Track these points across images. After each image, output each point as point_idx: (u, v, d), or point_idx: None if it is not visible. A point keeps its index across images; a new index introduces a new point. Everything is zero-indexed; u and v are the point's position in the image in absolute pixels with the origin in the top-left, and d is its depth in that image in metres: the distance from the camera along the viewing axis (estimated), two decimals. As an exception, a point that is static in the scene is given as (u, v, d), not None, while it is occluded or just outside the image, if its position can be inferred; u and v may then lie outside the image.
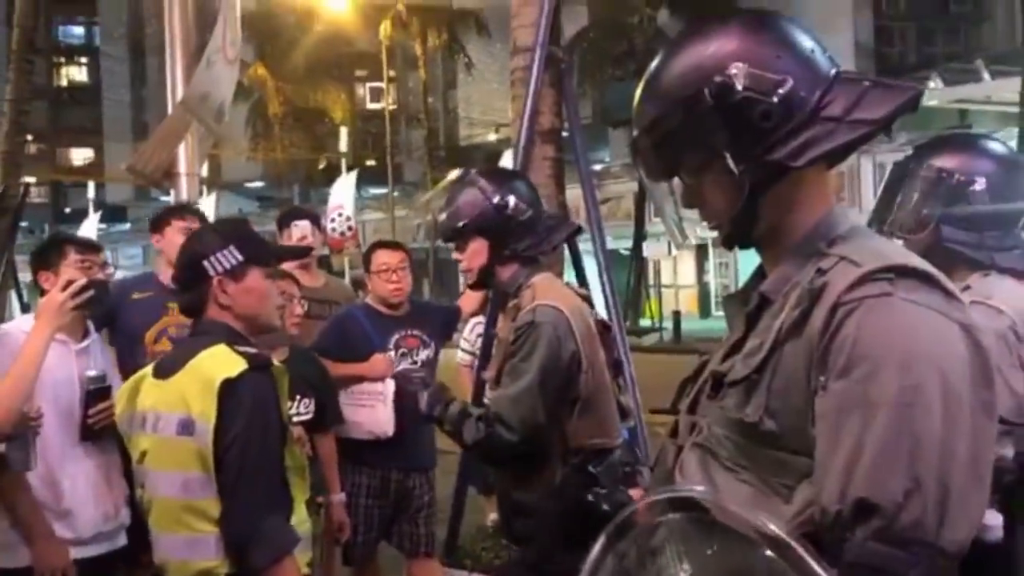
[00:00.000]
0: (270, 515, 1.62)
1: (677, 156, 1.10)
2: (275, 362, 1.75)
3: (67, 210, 38.19)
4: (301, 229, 3.43)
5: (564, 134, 3.83)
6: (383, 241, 3.43)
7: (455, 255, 2.20)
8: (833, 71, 1.05)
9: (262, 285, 1.76)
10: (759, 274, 1.16)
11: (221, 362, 1.63)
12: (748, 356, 1.03)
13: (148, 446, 1.71)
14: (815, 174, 1.08)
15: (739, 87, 1.01)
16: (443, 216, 2.19)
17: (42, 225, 34.39)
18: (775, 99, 1.01)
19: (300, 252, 2.54)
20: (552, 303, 2.00)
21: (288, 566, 1.61)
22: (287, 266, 3.17)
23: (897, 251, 1.03)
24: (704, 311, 23.82)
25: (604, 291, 3.50)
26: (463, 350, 4.43)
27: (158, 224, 2.91)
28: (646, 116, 1.10)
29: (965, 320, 0.96)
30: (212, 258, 1.71)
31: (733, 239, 1.12)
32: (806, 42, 1.06)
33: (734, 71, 1.02)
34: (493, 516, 4.58)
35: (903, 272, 0.96)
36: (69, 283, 2.12)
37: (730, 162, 1.03)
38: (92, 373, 2.26)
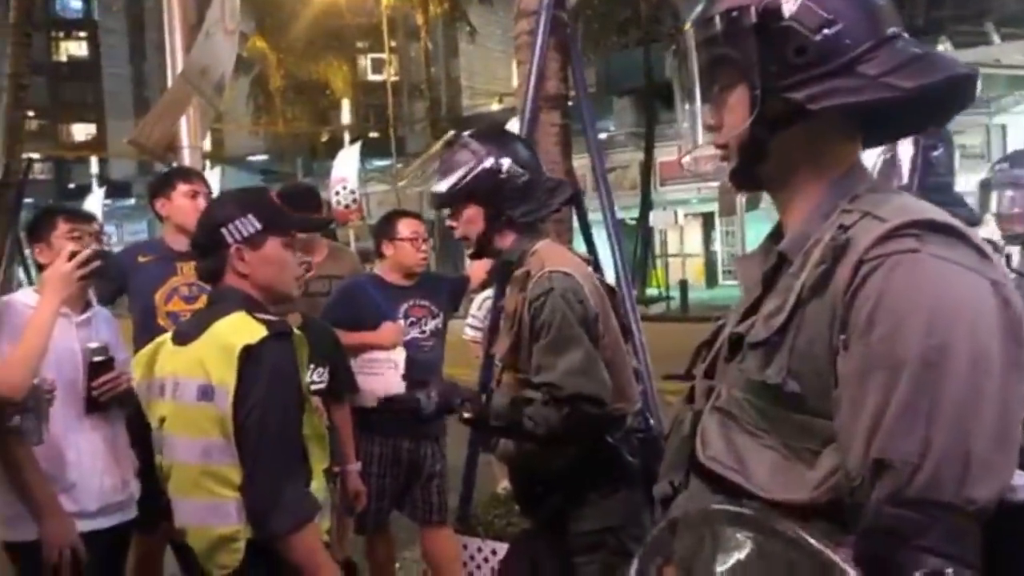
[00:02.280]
0: (290, 482, 1.62)
1: (711, 66, 1.07)
2: (295, 330, 1.73)
3: (71, 186, 38.14)
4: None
5: (570, 102, 3.78)
6: (404, 211, 3.40)
7: (449, 222, 2.11)
8: (891, 31, 1.01)
9: (280, 254, 1.74)
10: (775, 234, 1.13)
11: (241, 329, 1.62)
12: (769, 317, 1.00)
13: (167, 412, 1.71)
14: (840, 131, 1.05)
15: (786, 13, 0.99)
16: (435, 181, 2.10)
17: (46, 201, 34.35)
18: (817, 37, 0.98)
19: (320, 224, 2.44)
20: (564, 269, 1.94)
21: (309, 533, 1.61)
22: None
23: (923, 206, 0.99)
24: (711, 280, 23.78)
25: (614, 259, 3.46)
26: (471, 326, 4.41)
27: (163, 188, 2.88)
28: (701, 14, 1.08)
29: (996, 277, 0.92)
30: (230, 226, 1.70)
31: (739, 174, 1.09)
32: None
33: None
34: (504, 484, 4.60)
35: (931, 227, 0.93)
36: (74, 254, 2.12)
37: (751, 85, 1.01)
38: (94, 345, 2.25)
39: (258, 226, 1.71)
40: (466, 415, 1.97)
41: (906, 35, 1.03)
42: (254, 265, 1.71)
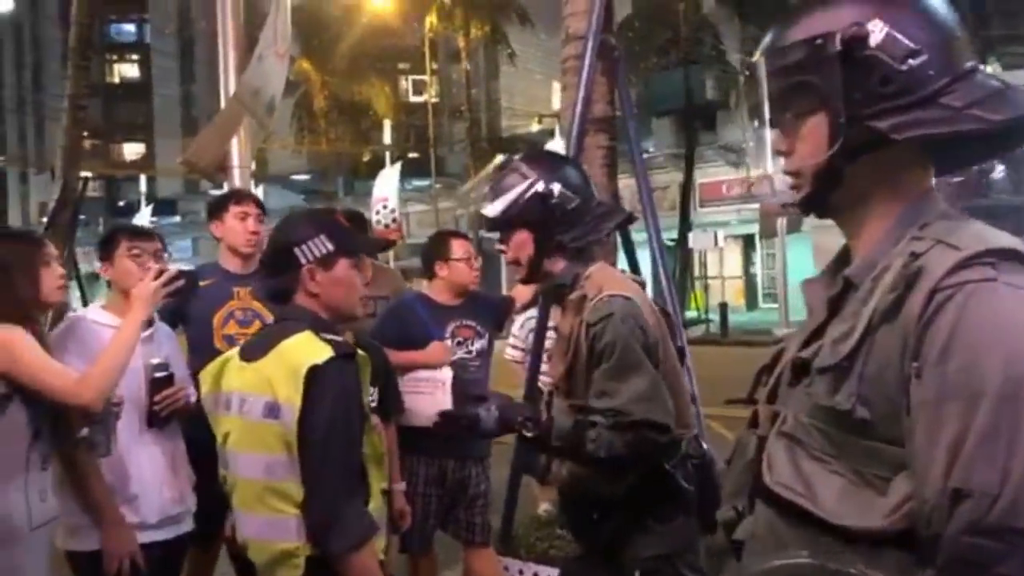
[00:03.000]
0: (350, 501, 1.64)
1: (787, 93, 1.07)
2: (358, 351, 1.76)
3: (120, 203, 39.20)
4: None
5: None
6: (452, 231, 3.43)
7: (498, 246, 2.09)
8: (971, 64, 1.02)
9: (349, 275, 1.77)
10: (841, 258, 1.13)
11: (308, 349, 1.65)
12: (837, 342, 0.99)
13: (232, 427, 1.74)
14: (914, 159, 1.05)
15: (872, 43, 0.99)
16: (486, 205, 2.08)
17: (97, 218, 35.29)
18: (903, 67, 0.99)
19: (386, 245, 2.45)
20: (622, 292, 1.93)
21: (366, 553, 1.63)
22: None
23: (997, 234, 0.98)
24: (751, 303, 23.50)
25: (660, 281, 3.46)
26: (512, 346, 4.41)
27: (217, 211, 2.95)
28: (776, 41, 1.08)
29: None
30: (304, 246, 1.73)
31: (811, 201, 1.09)
32: (957, 27, 1.03)
33: (873, 26, 0.99)
34: (545, 506, 4.58)
35: (1006, 255, 0.92)
36: (160, 272, 2.19)
37: (833, 114, 1.01)
38: (156, 360, 2.32)
39: (331, 247, 1.74)
40: (528, 434, 1.93)
41: (984, 68, 1.04)
42: (325, 285, 1.74)
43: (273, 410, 1.64)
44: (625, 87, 3.70)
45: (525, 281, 2.18)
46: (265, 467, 1.66)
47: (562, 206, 1.98)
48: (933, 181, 1.07)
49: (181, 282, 2.22)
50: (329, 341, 1.66)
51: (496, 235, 2.11)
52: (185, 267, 2.42)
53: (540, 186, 1.98)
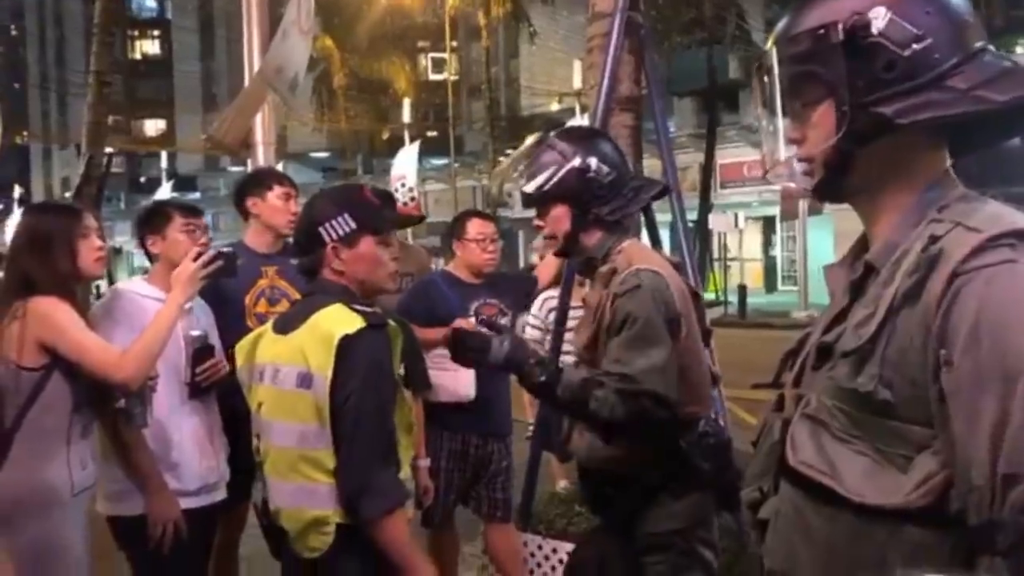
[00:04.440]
0: (382, 469, 1.68)
1: (795, 82, 1.08)
2: (391, 321, 1.79)
3: (142, 179, 39.49)
4: None
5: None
6: (475, 210, 3.45)
7: (536, 222, 2.12)
8: (978, 45, 1.01)
9: (374, 252, 1.79)
10: (861, 243, 1.14)
11: (340, 319, 1.68)
12: (859, 326, 1.01)
13: (266, 397, 1.78)
14: (927, 143, 1.05)
15: (875, 30, 1.00)
16: (524, 182, 2.12)
17: (119, 194, 35.61)
18: (906, 52, 0.99)
19: (413, 221, 2.45)
20: (652, 267, 1.95)
21: (398, 519, 1.67)
22: None
23: (1015, 214, 0.99)
24: (770, 285, 23.36)
25: (684, 261, 3.45)
26: (531, 325, 4.43)
27: (257, 188, 2.94)
28: (784, 32, 1.09)
29: None
30: (327, 225, 1.76)
31: (824, 188, 1.10)
32: (962, 9, 1.03)
33: (875, 14, 1.00)
34: (563, 483, 4.62)
35: None
36: (200, 254, 2.23)
37: (839, 102, 1.02)
38: (196, 333, 2.37)
39: (353, 225, 1.77)
40: (538, 379, 1.93)
41: (993, 49, 1.03)
42: (349, 263, 1.77)
43: (306, 380, 1.68)
44: (652, 66, 3.67)
45: (560, 254, 2.21)
46: (298, 436, 1.70)
47: (599, 180, 2.01)
48: (949, 163, 1.07)
49: (220, 263, 2.26)
50: (361, 312, 1.69)
51: (533, 213, 2.13)
52: (225, 248, 2.44)
53: (577, 161, 2.01)
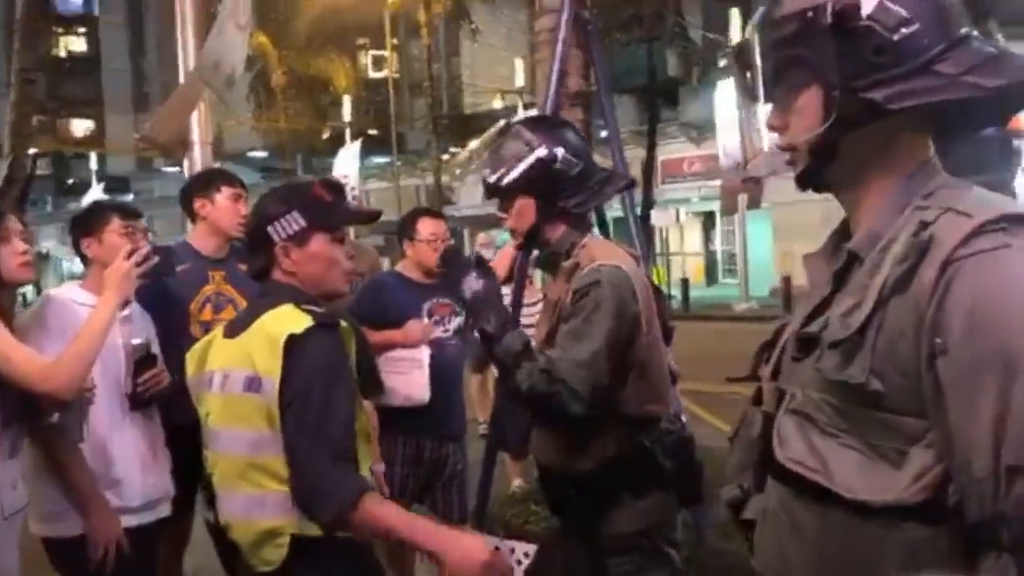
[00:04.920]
0: (334, 468, 1.55)
1: (779, 67, 1.06)
2: (342, 321, 1.71)
3: (70, 181, 38.03)
4: None
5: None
6: (425, 209, 3.39)
7: (499, 214, 2.04)
8: (964, 31, 1.00)
9: (327, 250, 1.71)
10: (841, 231, 1.12)
11: (286, 320, 1.60)
12: (846, 315, 0.99)
13: (214, 405, 1.69)
14: (913, 129, 1.04)
15: (864, 13, 0.98)
16: (486, 172, 2.02)
17: (45, 197, 34.22)
18: (895, 37, 0.97)
19: (368, 217, 2.35)
20: (615, 263, 1.90)
21: (364, 508, 1.52)
22: None
23: (1003, 199, 0.98)
24: (711, 279, 23.79)
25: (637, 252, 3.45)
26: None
27: (205, 189, 2.82)
28: (766, 15, 1.06)
29: None
30: (276, 223, 1.68)
31: (807, 175, 1.08)
32: None
33: None
34: (518, 482, 4.59)
35: (1018, 220, 0.92)
36: (133, 251, 2.11)
37: (826, 87, 1.00)
38: (137, 341, 2.26)
39: (303, 223, 1.68)
40: (486, 327, 1.88)
41: (977, 35, 1.02)
42: (300, 263, 1.69)
43: (254, 383, 1.59)
44: (601, 61, 3.66)
45: (521, 248, 2.13)
46: (247, 443, 1.61)
47: (566, 172, 1.93)
48: (932, 150, 1.07)
49: (155, 260, 2.14)
50: (309, 312, 1.61)
51: (479, 203, 2.05)
52: (161, 244, 2.33)
53: (543, 151, 1.93)
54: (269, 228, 1.68)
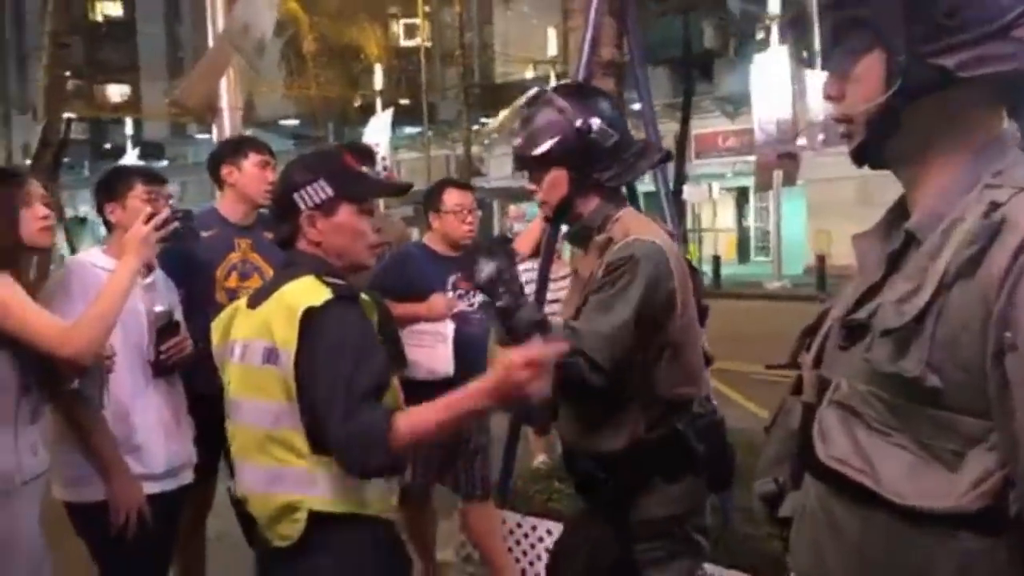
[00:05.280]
0: (357, 413, 1.48)
1: (838, 29, 0.97)
2: (363, 295, 1.66)
3: (106, 146, 38.49)
4: None
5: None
6: (451, 180, 3.32)
7: (530, 186, 1.96)
8: None
9: (353, 222, 1.67)
10: (897, 210, 1.03)
11: (306, 291, 1.56)
12: (901, 302, 0.90)
13: (235, 375, 1.66)
14: (983, 100, 0.95)
15: None
16: (517, 142, 1.93)
17: (82, 161, 34.71)
18: None
19: (397, 189, 2.29)
20: (651, 238, 1.81)
21: (397, 433, 1.46)
22: None
23: None
24: (743, 256, 23.51)
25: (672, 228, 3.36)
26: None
27: (232, 156, 2.80)
28: None
29: None
30: (302, 191, 1.64)
31: (865, 149, 0.99)
32: None
33: None
34: (542, 458, 4.57)
35: None
36: (152, 215, 2.09)
37: (890, 52, 0.91)
38: (160, 308, 2.25)
39: (330, 192, 1.64)
40: (499, 303, 1.81)
41: None
42: (326, 233, 1.65)
43: (272, 355, 1.56)
44: (636, 30, 3.54)
45: (552, 222, 2.05)
46: (266, 415, 1.58)
47: (601, 142, 1.84)
48: (1005, 124, 0.97)
49: (176, 224, 2.11)
50: (330, 284, 1.57)
51: (509, 176, 1.97)
52: (184, 208, 2.29)
53: (579, 121, 1.84)
54: (295, 196, 1.64)
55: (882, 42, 0.93)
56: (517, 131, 1.97)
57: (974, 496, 0.84)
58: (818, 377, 1.03)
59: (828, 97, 1.01)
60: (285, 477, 1.57)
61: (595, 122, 1.84)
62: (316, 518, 1.56)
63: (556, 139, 1.85)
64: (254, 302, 1.67)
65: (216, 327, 1.76)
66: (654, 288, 1.78)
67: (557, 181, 1.89)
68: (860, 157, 1.01)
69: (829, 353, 1.03)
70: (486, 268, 1.82)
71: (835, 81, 1.00)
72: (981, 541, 0.84)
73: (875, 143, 0.98)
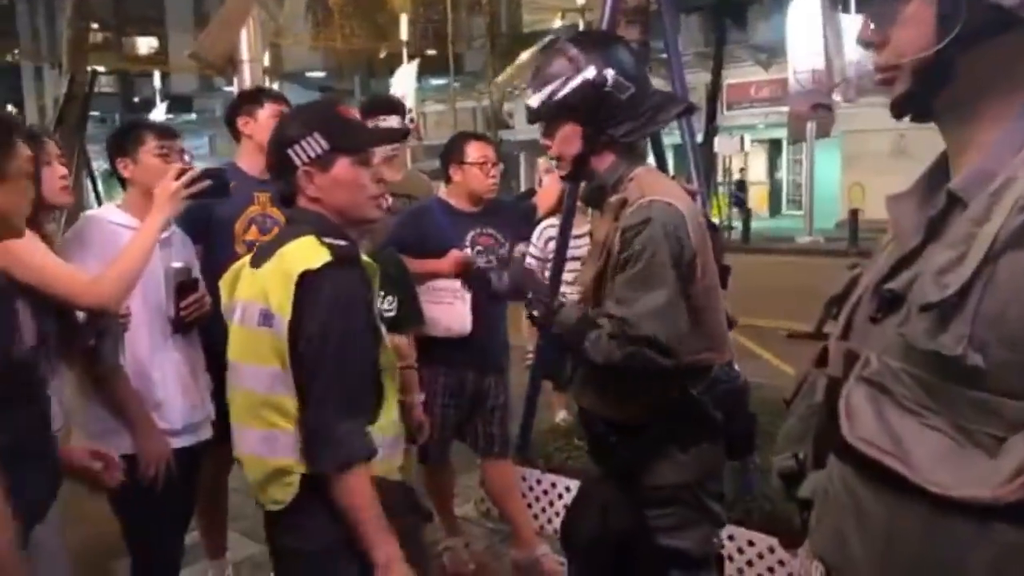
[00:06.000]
0: (348, 418, 1.52)
1: None
2: (365, 257, 1.62)
3: (135, 99, 38.64)
4: (389, 125, 3.26)
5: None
6: (472, 133, 3.24)
7: (543, 140, 1.88)
8: None
9: (352, 174, 1.61)
10: (937, 169, 0.94)
11: (304, 253, 1.52)
12: (942, 272, 0.82)
13: (235, 336, 1.64)
14: None
15: None
16: (530, 93, 1.85)
17: (112, 114, 34.90)
18: None
19: (395, 136, 2.23)
20: (667, 199, 1.73)
21: (356, 476, 1.50)
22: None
23: None
24: (774, 209, 23.09)
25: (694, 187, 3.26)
26: (531, 255, 4.28)
27: (249, 106, 2.78)
28: None
29: None
30: (297, 146, 1.58)
31: (910, 101, 0.90)
32: None
33: None
34: (563, 414, 4.55)
35: None
36: (182, 172, 2.07)
37: None
38: (178, 265, 2.24)
39: (325, 146, 1.58)
40: (533, 312, 1.82)
41: None
42: (325, 188, 1.59)
43: (267, 318, 1.53)
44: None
45: (568, 179, 1.98)
46: (261, 378, 1.56)
47: (616, 95, 1.75)
48: None
49: (207, 183, 2.09)
50: (330, 245, 1.52)
51: (538, 128, 1.89)
52: (216, 167, 2.27)
53: (592, 72, 1.75)
54: (289, 151, 1.59)
55: None
56: (530, 82, 1.89)
57: (1015, 486, 0.77)
58: (846, 350, 0.95)
59: (867, 43, 0.92)
60: (277, 441, 1.56)
61: (609, 73, 1.75)
62: (308, 483, 1.54)
63: (568, 91, 1.77)
64: (256, 261, 1.64)
65: (224, 284, 1.74)
66: (678, 252, 1.71)
67: (570, 136, 1.82)
68: (903, 109, 0.92)
69: (859, 324, 0.95)
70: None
71: (877, 26, 0.90)
72: (1020, 535, 0.78)
73: (922, 94, 0.89)
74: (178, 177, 2.06)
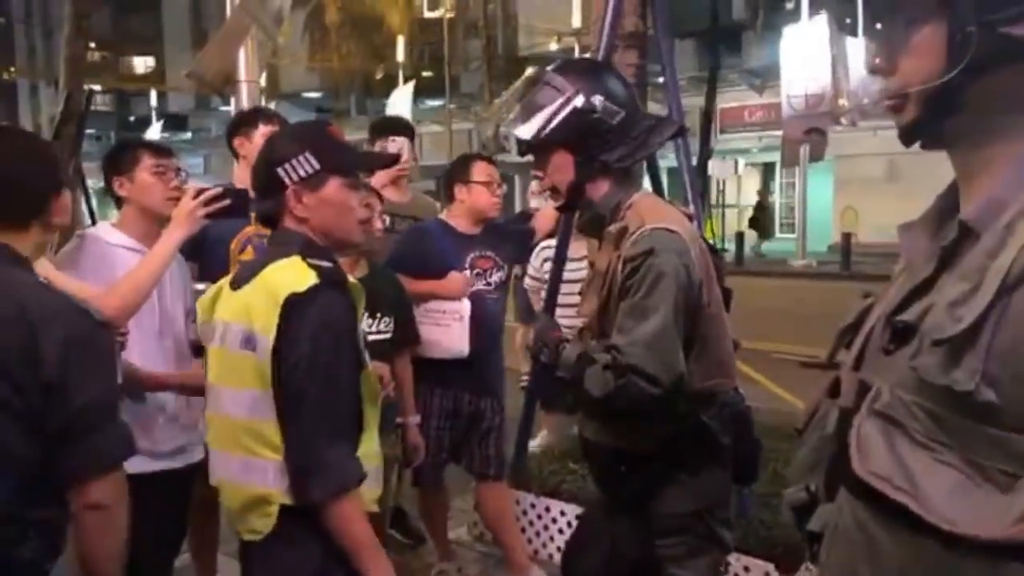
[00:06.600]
0: (334, 445, 1.48)
1: None
2: (351, 279, 1.60)
3: (131, 118, 38.71)
4: (398, 146, 3.27)
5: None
6: (476, 154, 3.25)
7: (534, 171, 1.88)
8: None
9: (341, 196, 1.59)
10: (948, 197, 0.93)
11: (290, 275, 1.49)
12: (956, 305, 0.80)
13: (215, 358, 1.61)
14: None
15: None
16: (518, 125, 1.85)
17: (108, 133, 34.95)
18: None
19: (387, 161, 2.25)
20: (668, 226, 1.72)
21: (349, 503, 1.47)
22: (378, 180, 3.04)
23: None
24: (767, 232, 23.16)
25: (692, 212, 3.27)
26: (530, 276, 4.27)
27: (244, 127, 2.78)
28: None
29: None
30: (287, 165, 1.56)
31: (917, 128, 0.89)
32: None
33: None
34: (543, 433, 4.49)
35: None
36: (200, 191, 2.07)
37: (957, 20, 0.81)
38: (200, 286, 2.23)
39: (316, 165, 1.56)
40: (542, 359, 1.83)
41: None
42: (313, 208, 1.57)
43: (249, 341, 1.49)
44: (661, 0, 3.42)
45: (563, 209, 1.97)
46: (241, 402, 1.52)
47: (605, 121, 1.75)
48: None
49: (227, 202, 2.09)
50: (315, 267, 1.49)
51: (530, 159, 1.88)
52: (239, 186, 2.27)
53: (579, 100, 1.75)
54: (279, 170, 1.56)
55: (946, 8, 0.82)
56: (518, 113, 1.89)
57: None
58: (859, 381, 0.94)
59: (875, 71, 0.91)
60: (257, 469, 1.52)
61: (597, 100, 1.75)
62: (287, 514, 1.50)
63: (557, 121, 1.76)
64: (237, 282, 1.60)
65: (201, 306, 1.70)
66: (684, 282, 1.70)
67: (562, 165, 1.81)
68: (910, 135, 0.91)
69: (871, 355, 0.94)
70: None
71: (885, 52, 0.89)
72: None
73: (931, 122, 0.88)
74: (196, 196, 2.06)
